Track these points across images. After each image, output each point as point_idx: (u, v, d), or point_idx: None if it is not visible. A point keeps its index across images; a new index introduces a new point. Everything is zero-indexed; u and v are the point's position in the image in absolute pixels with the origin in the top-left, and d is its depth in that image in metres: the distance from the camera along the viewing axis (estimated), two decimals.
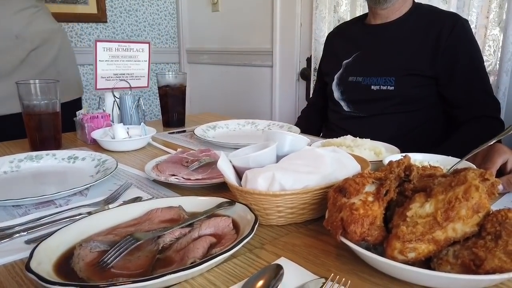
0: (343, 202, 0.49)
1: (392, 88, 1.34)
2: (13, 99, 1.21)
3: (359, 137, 1.40)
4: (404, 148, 1.10)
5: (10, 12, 1.21)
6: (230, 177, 0.61)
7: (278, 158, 0.67)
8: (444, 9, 1.59)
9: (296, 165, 0.61)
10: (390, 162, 0.51)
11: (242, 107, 2.66)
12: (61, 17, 2.47)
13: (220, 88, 2.85)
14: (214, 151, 0.93)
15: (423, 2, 1.55)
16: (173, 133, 1.25)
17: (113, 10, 2.74)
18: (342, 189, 0.51)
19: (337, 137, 1.45)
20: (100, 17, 2.68)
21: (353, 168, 0.65)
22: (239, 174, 0.66)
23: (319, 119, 1.69)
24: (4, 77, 1.21)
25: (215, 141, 1.07)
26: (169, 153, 1.00)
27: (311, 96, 2.13)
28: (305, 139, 0.70)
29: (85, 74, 2.69)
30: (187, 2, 2.99)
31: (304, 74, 2.23)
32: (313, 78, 2.12)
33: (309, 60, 2.18)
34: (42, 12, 1.33)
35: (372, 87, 1.38)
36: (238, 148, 0.99)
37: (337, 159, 0.65)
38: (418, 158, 0.74)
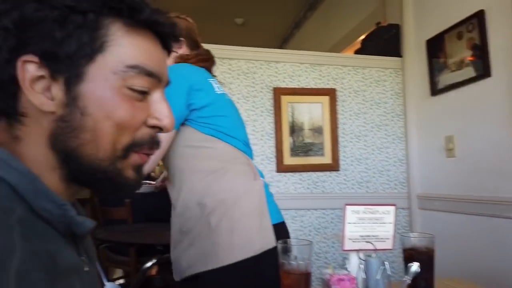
0: None
1: None
2: None
3: None
4: None
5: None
6: None
7: None
8: None
9: None
10: None
11: (488, 266, 2.23)
12: (303, 168, 2.85)
13: (458, 240, 2.52)
14: None
15: None
16: None
17: (345, 159, 2.98)
18: None
19: None
20: (333, 166, 2.95)
21: None
22: None
23: None
24: None
25: None
26: None
27: None
28: None
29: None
30: (418, 148, 2.98)
31: None
32: None
33: None
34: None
35: None
36: None
37: None
38: None
